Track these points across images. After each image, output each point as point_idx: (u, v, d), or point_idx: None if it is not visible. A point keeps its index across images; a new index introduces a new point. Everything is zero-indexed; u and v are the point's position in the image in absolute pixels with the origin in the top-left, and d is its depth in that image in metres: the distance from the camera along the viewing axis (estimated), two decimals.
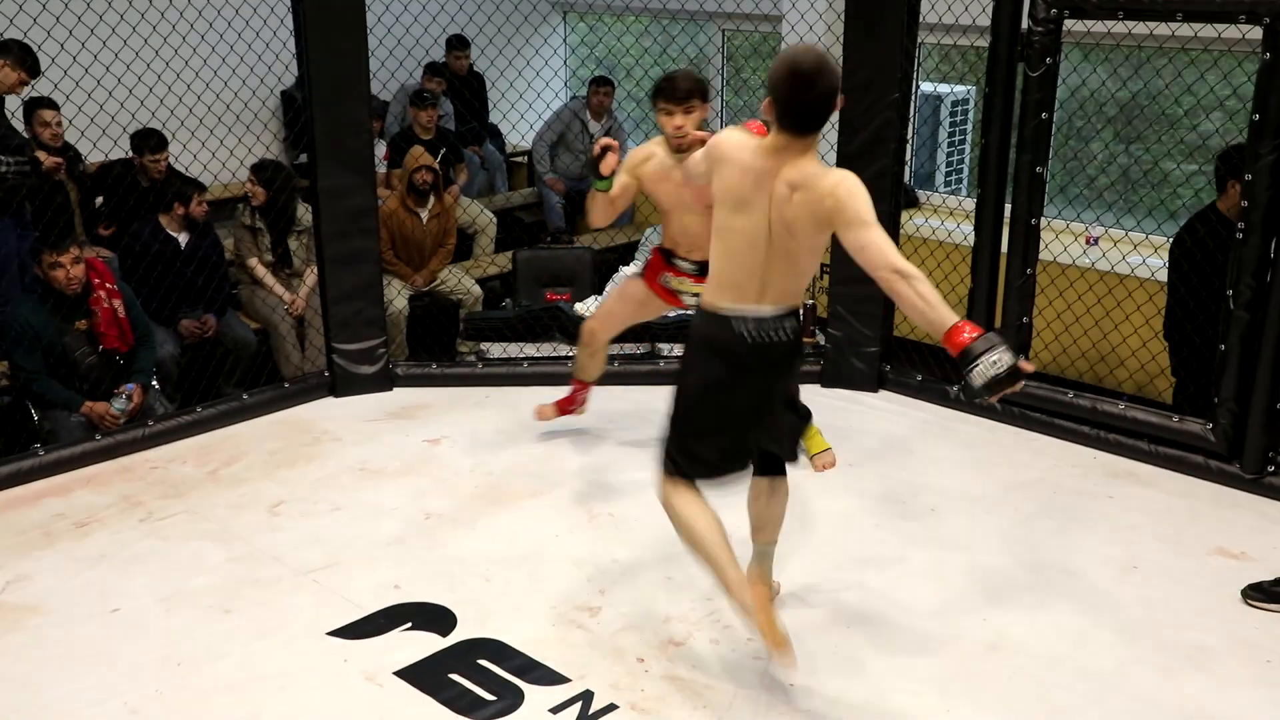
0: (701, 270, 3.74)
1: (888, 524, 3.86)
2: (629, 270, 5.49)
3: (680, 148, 3.70)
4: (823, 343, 5.14)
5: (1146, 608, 3.37)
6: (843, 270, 4.89)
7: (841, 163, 4.79)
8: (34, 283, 4.54)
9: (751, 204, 2.75)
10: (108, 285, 4.49)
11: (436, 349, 5.65)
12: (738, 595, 2.81)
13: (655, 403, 4.69)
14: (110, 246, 5.53)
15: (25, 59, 5.01)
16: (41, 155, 5.15)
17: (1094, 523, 3.88)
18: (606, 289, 5.45)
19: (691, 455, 2.91)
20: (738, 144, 2.80)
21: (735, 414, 2.87)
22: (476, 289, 6.01)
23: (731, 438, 2.91)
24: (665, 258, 3.98)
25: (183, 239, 5.20)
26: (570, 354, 5.18)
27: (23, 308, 4.39)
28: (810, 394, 4.88)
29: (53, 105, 5.41)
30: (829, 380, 5.00)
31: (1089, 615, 3.32)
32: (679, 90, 3.65)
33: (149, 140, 5.47)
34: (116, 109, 4.60)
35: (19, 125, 5.33)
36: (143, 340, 4.61)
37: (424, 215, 5.85)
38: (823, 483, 4.11)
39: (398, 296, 5.65)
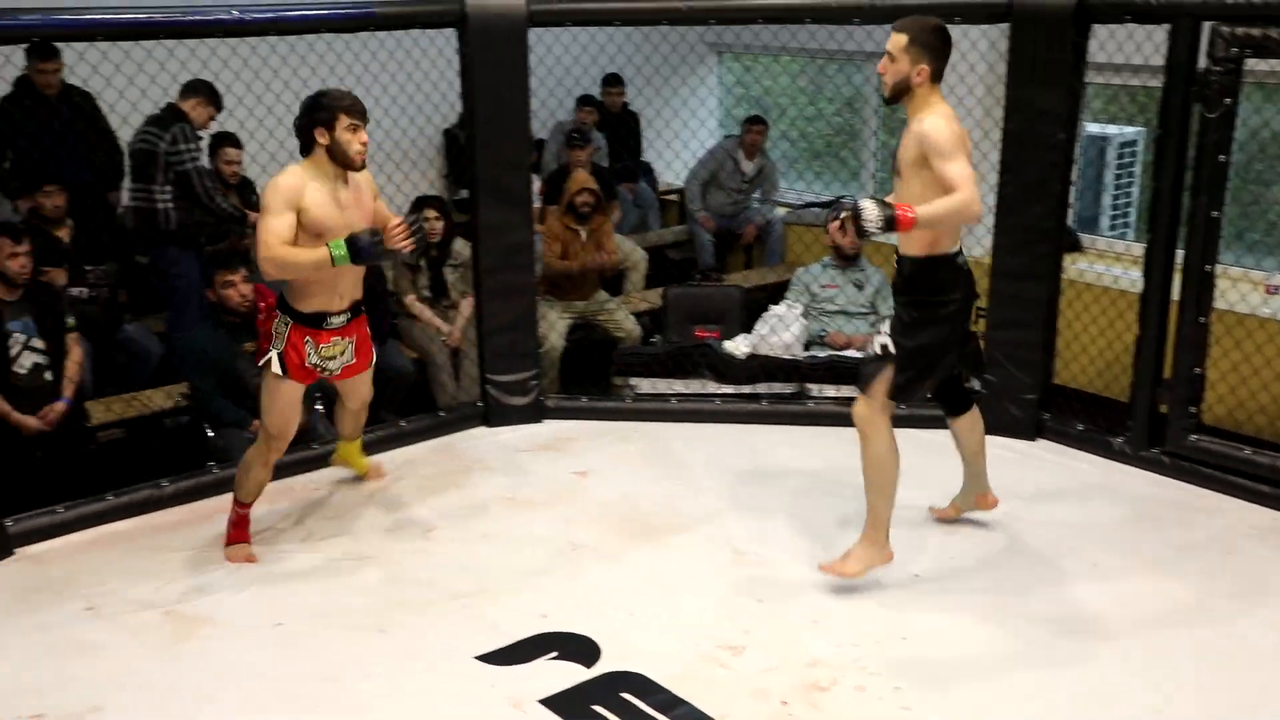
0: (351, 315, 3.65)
1: (1046, 579, 3.72)
2: (779, 310, 5.46)
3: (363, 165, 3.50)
4: (978, 388, 5.01)
5: None
6: (999, 314, 4.77)
7: (1002, 205, 4.69)
8: (209, 310, 4.80)
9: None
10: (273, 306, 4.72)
11: (589, 383, 5.71)
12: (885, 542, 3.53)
13: (803, 442, 4.65)
14: None
15: (213, 96, 5.33)
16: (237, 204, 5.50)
17: (1274, 589, 3.65)
18: (756, 328, 5.43)
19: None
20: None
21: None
22: (635, 326, 6.07)
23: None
24: (309, 322, 3.57)
25: None
26: (720, 391, 5.19)
27: (199, 333, 4.64)
28: None
29: (237, 143, 5.72)
30: (985, 428, 4.84)
31: (1269, 691, 3.12)
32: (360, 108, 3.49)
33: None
34: (293, 146, 4.84)
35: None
36: None
37: (583, 234, 5.97)
38: (978, 532, 4.00)
39: (552, 331, 5.76)
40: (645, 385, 5.33)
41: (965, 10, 4.56)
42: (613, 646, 3.29)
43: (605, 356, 5.90)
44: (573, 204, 5.90)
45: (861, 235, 3.16)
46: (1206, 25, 4.09)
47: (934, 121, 3.27)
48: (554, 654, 3.26)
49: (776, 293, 6.29)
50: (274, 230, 3.32)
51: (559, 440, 4.85)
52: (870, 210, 3.13)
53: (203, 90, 5.33)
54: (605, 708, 3.02)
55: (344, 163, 3.43)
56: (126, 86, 4.44)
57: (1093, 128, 6.23)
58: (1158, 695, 3.08)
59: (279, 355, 3.57)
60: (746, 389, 5.18)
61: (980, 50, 5.17)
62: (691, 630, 3.39)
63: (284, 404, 3.63)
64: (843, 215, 3.19)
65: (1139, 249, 5.22)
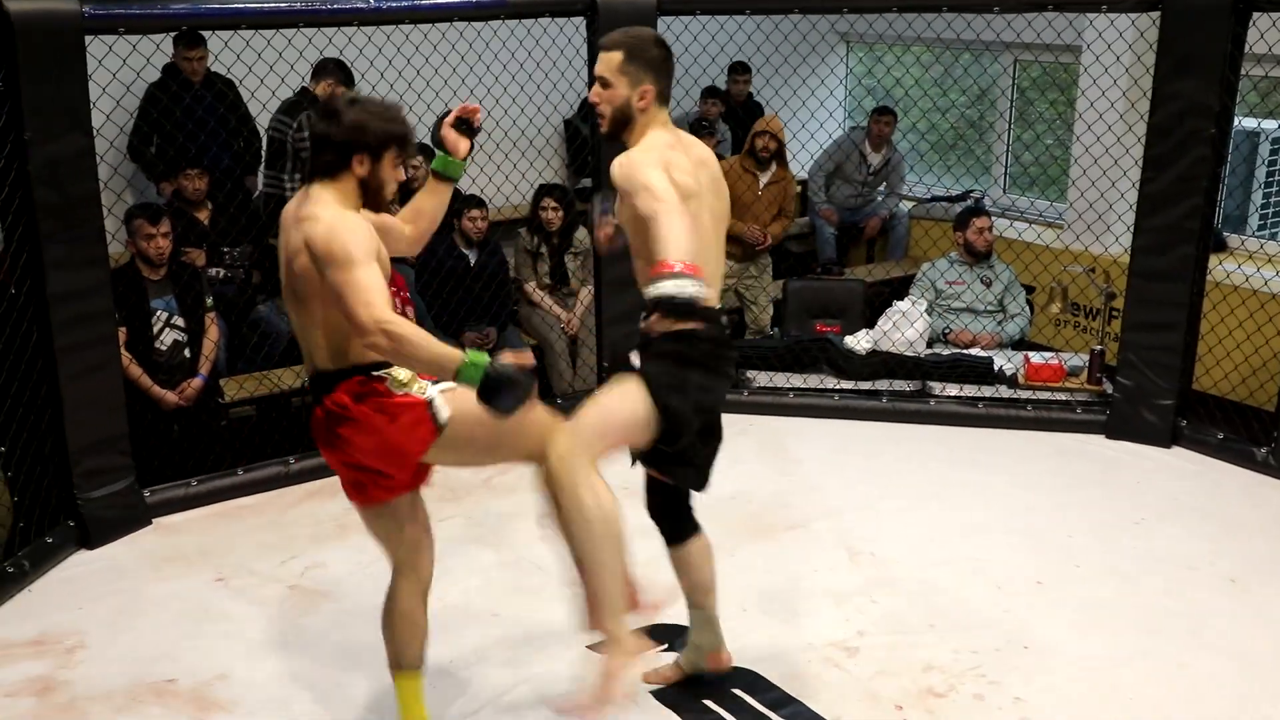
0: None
1: (1178, 591, 3.56)
2: (903, 305, 5.33)
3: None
4: (1110, 391, 4.82)
5: None
6: (1136, 316, 4.58)
7: (1144, 203, 4.50)
8: None
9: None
10: (403, 294, 4.80)
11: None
12: (622, 627, 2.59)
13: (923, 441, 4.54)
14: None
15: (345, 75, 5.42)
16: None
17: None
18: (878, 324, 5.32)
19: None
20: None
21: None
22: (768, 313, 6.01)
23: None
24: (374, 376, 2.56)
25: (472, 256, 5.49)
26: (839, 387, 5.10)
27: None
28: (1093, 445, 4.64)
29: None
30: (1115, 432, 4.68)
31: None
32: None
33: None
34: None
35: None
36: None
37: (762, 179, 5.90)
38: (1109, 541, 3.85)
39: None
40: (762, 378, 5.27)
41: None
42: (726, 641, 3.26)
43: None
44: (753, 147, 5.84)
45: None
46: None
47: (625, 157, 2.59)
48: (665, 646, 3.25)
49: (900, 288, 6.17)
50: (375, 287, 2.41)
51: None
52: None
53: (333, 70, 5.41)
54: (716, 703, 3.01)
55: (375, 204, 2.59)
56: (267, 74, 4.57)
57: (1246, 122, 5.93)
58: None
59: (440, 393, 2.55)
60: (866, 385, 5.08)
61: (1128, 39, 4.96)
62: (804, 629, 3.35)
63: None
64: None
65: None
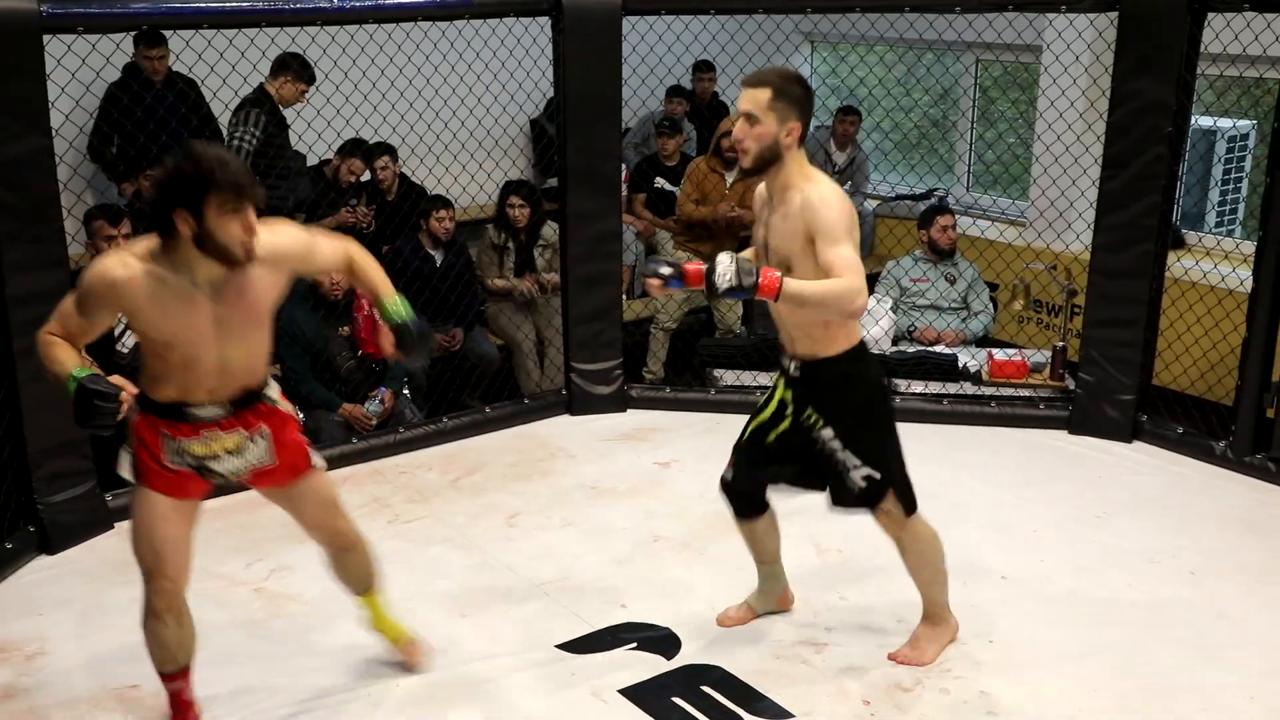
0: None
1: (1139, 584, 3.60)
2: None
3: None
4: (1072, 387, 4.88)
5: None
6: (1097, 312, 4.63)
7: (1104, 200, 4.55)
8: (306, 291, 4.88)
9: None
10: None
11: (685, 370, 5.69)
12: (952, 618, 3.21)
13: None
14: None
15: (304, 71, 5.37)
16: (362, 213, 5.55)
17: None
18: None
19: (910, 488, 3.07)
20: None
21: None
22: (738, 316, 6.02)
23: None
24: (167, 413, 2.68)
25: (438, 256, 5.47)
26: None
27: (295, 313, 4.72)
28: (1056, 440, 4.69)
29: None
30: (1077, 427, 4.73)
31: None
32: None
33: (369, 147, 5.72)
34: (372, 133, 4.87)
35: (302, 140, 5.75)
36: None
37: (729, 178, 5.85)
38: (1071, 535, 3.90)
39: (671, 316, 5.76)
40: (729, 376, 5.29)
41: None
42: (693, 639, 3.28)
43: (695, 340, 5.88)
44: (719, 147, 5.81)
45: (711, 293, 2.67)
46: None
47: (822, 193, 2.72)
48: (634, 644, 3.26)
49: (873, 283, 6.20)
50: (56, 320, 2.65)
51: (642, 430, 4.85)
52: (724, 263, 2.63)
53: (293, 66, 5.36)
54: (685, 700, 3.01)
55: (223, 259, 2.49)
56: (229, 74, 4.53)
57: (1203, 120, 6.02)
58: (1261, 708, 2.97)
59: (129, 455, 2.73)
60: None
61: (1087, 39, 5.02)
62: (773, 626, 3.36)
63: (143, 524, 2.73)
64: (664, 272, 2.81)
65: (1248, 247, 5.03)
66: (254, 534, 3.93)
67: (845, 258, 2.65)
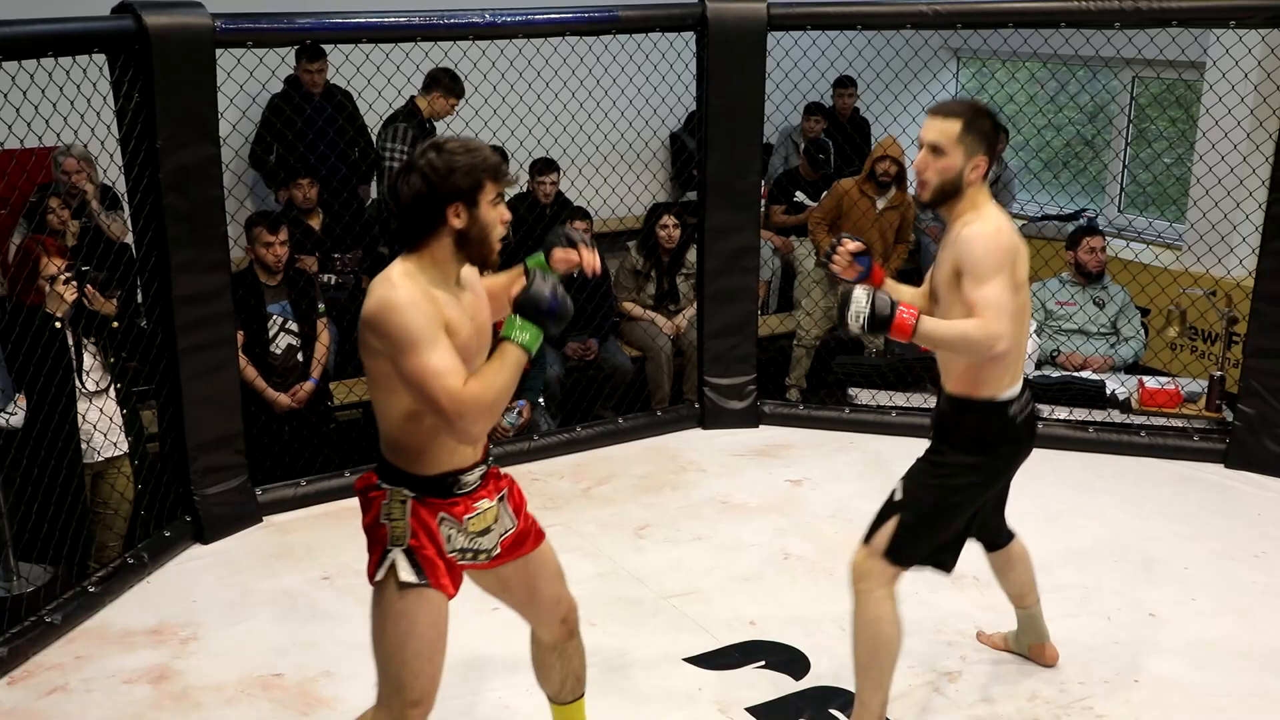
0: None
1: None
2: None
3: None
4: (1230, 419, 4.65)
5: None
6: (1260, 341, 4.41)
7: (1271, 224, 4.33)
8: None
9: None
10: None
11: (820, 387, 5.63)
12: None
13: (1030, 465, 4.40)
14: None
15: (454, 86, 5.52)
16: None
17: None
18: None
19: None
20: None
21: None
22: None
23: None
24: (440, 489, 2.28)
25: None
26: None
27: None
28: (1210, 474, 4.48)
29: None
30: (1234, 461, 4.51)
31: None
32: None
33: (539, 163, 5.84)
34: (517, 145, 4.97)
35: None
36: (534, 360, 4.93)
37: (880, 202, 5.73)
38: (1228, 574, 3.71)
39: (811, 333, 5.75)
40: (864, 396, 5.21)
41: (1239, 13, 4.26)
42: (823, 661, 3.23)
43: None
44: (873, 170, 5.67)
45: (843, 327, 2.60)
46: None
47: (977, 228, 2.59)
48: (762, 663, 3.23)
49: None
50: (448, 368, 2.11)
51: (774, 447, 4.81)
52: (859, 301, 2.55)
53: (443, 81, 5.52)
54: None
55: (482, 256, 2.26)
56: (385, 86, 4.68)
57: None
58: None
59: (406, 554, 2.24)
60: None
61: (1257, 56, 4.79)
62: (906, 653, 3.27)
63: (422, 637, 2.24)
64: (853, 247, 2.80)
65: None
66: None
67: (987, 298, 2.53)
